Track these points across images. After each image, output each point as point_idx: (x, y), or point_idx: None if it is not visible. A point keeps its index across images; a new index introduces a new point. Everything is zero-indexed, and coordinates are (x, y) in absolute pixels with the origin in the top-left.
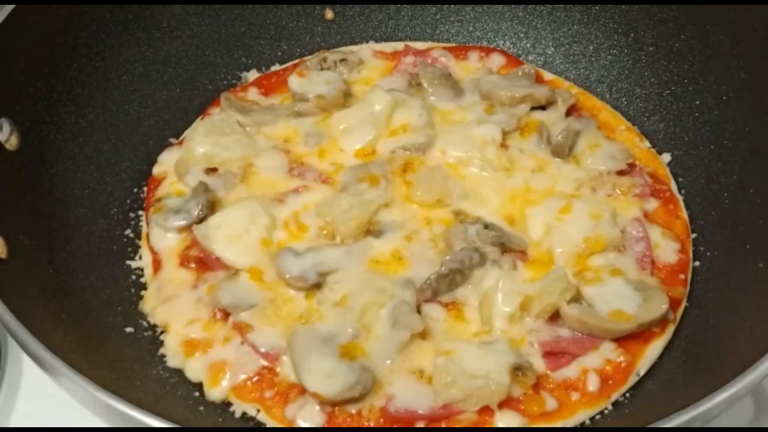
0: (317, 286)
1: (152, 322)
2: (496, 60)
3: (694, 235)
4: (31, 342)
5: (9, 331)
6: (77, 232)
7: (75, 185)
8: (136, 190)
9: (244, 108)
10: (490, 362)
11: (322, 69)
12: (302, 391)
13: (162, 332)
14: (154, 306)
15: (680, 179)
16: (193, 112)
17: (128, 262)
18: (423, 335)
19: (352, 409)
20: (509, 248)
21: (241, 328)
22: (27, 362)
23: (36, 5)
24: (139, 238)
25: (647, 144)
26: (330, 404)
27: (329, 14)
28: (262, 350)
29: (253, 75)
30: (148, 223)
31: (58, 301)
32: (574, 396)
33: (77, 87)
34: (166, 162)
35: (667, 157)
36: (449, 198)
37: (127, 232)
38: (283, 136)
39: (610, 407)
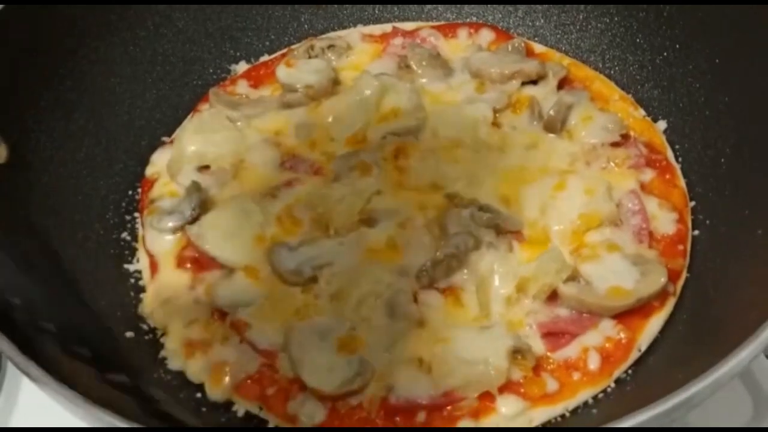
0: (313, 279)
1: (152, 325)
2: (486, 35)
3: (692, 204)
4: (20, 358)
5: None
6: (73, 239)
7: (68, 192)
8: (130, 192)
9: (233, 102)
10: (488, 348)
11: (309, 57)
12: (303, 386)
13: (162, 335)
14: (153, 309)
15: (676, 146)
16: (184, 109)
17: (126, 265)
18: (421, 323)
19: (353, 401)
20: (504, 230)
21: (239, 327)
22: None
23: (16, 11)
24: (136, 241)
25: (642, 112)
26: (330, 399)
27: None
28: (261, 348)
29: (242, 67)
30: (143, 226)
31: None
32: (576, 376)
33: (65, 92)
34: (158, 162)
35: (662, 125)
36: (443, 181)
37: (124, 235)
38: (274, 128)
39: (612, 385)
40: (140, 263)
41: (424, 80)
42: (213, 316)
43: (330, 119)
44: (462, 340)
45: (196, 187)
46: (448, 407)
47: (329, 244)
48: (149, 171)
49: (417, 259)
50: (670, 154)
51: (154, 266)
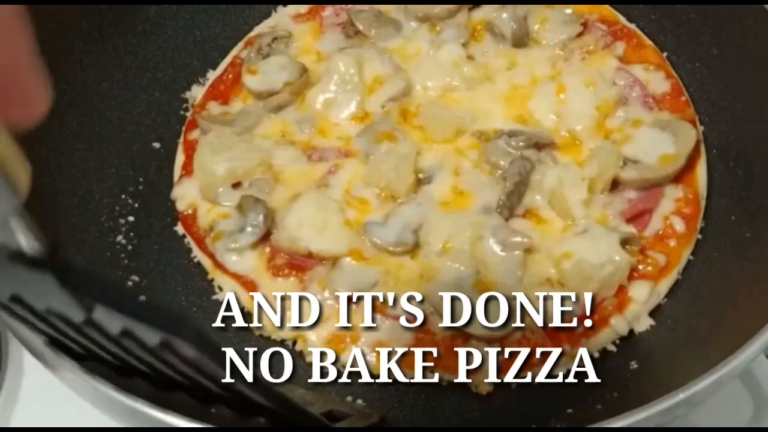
0: (416, 244)
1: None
2: None
3: (665, 54)
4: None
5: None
6: (70, 241)
7: (63, 195)
8: (123, 196)
9: (225, 120)
10: (605, 247)
11: (263, 58)
12: (465, 339)
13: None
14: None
15: (625, 12)
16: (173, 116)
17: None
18: (527, 249)
19: (517, 335)
20: (542, 144)
21: (377, 307)
22: (28, 362)
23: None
24: (131, 246)
25: None
26: (498, 339)
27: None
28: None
29: (197, 91)
30: (212, 256)
31: None
32: (672, 242)
33: (58, 96)
34: (186, 195)
35: None
36: (462, 125)
37: (119, 238)
38: (278, 131)
39: (699, 236)
40: (224, 292)
41: (381, 42)
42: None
43: (320, 106)
44: (581, 250)
45: (254, 200)
46: (597, 311)
47: (409, 209)
48: (181, 206)
49: (487, 197)
50: (623, 19)
51: (250, 286)
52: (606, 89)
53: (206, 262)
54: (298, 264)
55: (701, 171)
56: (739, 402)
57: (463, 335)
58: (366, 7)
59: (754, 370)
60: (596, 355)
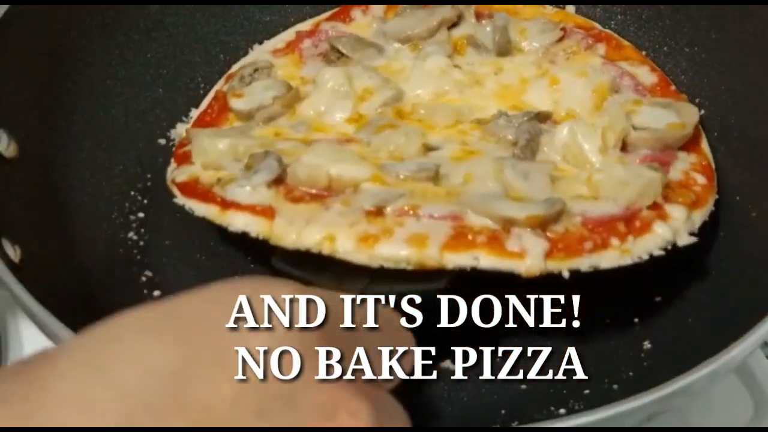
0: (437, 175)
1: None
2: (378, 7)
3: (644, 53)
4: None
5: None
6: (83, 238)
7: (74, 192)
8: (133, 193)
9: (219, 129)
10: (635, 166)
11: (247, 85)
12: (507, 227)
13: None
14: (293, 232)
15: (599, 20)
16: (176, 112)
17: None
18: (552, 179)
19: (560, 228)
20: (544, 117)
21: (408, 212)
22: None
23: (20, 14)
24: (143, 242)
25: (550, 8)
26: (541, 225)
27: None
28: (442, 215)
29: (180, 129)
30: (219, 202)
31: (75, 309)
32: (696, 188)
33: (64, 94)
34: (185, 172)
35: (572, 9)
36: (461, 116)
37: (131, 235)
38: (272, 133)
39: (717, 196)
40: (239, 224)
41: (365, 61)
42: (372, 215)
43: (314, 115)
44: (612, 167)
45: (264, 153)
46: (638, 217)
47: (423, 159)
48: (181, 178)
49: (500, 153)
50: (597, 26)
51: (267, 212)
52: (599, 75)
53: (212, 212)
54: (317, 195)
55: (705, 145)
56: (739, 402)
57: (506, 227)
58: (345, 33)
59: (755, 370)
60: (645, 256)
